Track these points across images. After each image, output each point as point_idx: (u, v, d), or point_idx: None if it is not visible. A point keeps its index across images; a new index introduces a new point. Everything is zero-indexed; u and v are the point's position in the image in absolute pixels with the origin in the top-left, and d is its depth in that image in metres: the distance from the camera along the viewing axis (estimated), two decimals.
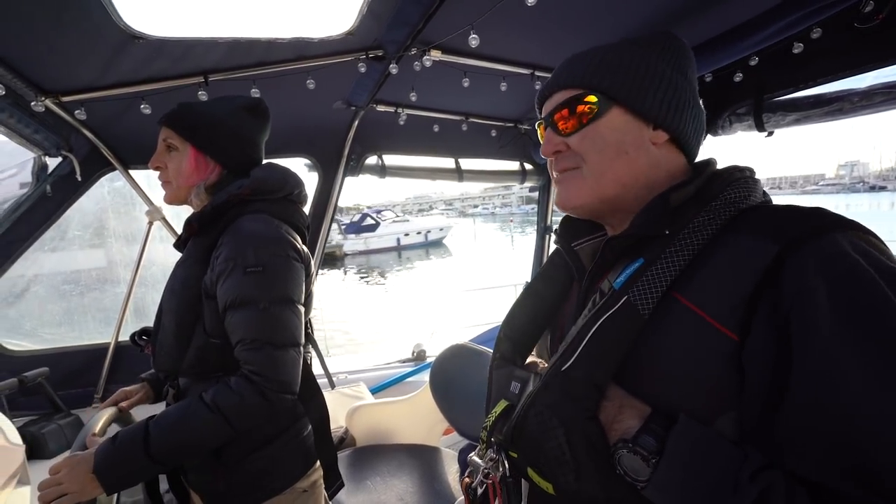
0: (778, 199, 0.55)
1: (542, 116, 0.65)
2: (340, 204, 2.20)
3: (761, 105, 1.55)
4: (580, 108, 0.59)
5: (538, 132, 0.67)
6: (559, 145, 0.61)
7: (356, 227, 24.35)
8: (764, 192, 0.56)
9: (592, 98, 0.58)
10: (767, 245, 0.46)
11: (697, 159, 0.63)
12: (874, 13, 1.13)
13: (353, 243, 23.05)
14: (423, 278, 16.45)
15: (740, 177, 0.55)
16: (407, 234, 24.35)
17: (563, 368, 0.49)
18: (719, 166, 0.59)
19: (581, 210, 0.62)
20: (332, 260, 21.04)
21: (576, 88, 0.60)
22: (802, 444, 0.41)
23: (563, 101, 0.60)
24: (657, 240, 0.52)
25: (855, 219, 0.47)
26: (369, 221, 24.59)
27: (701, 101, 0.63)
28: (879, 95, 1.34)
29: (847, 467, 0.38)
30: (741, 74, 1.48)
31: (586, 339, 0.49)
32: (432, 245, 24.60)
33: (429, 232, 24.98)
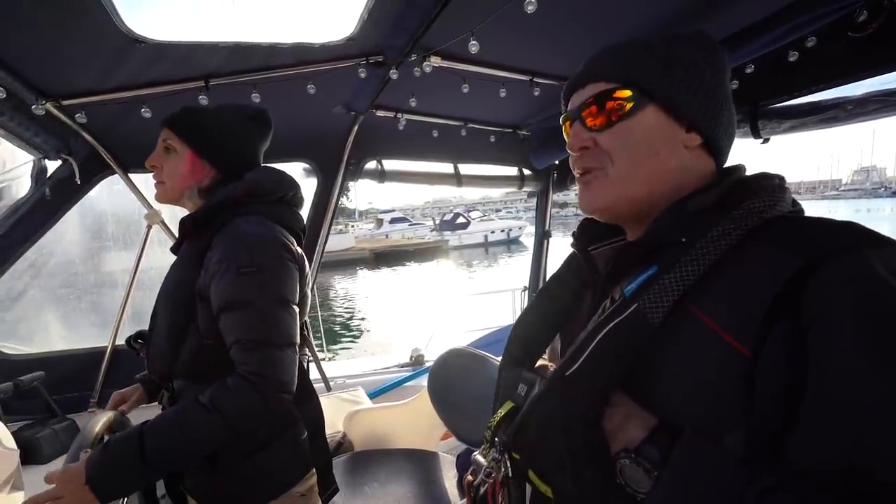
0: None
1: (569, 109, 0.60)
2: (360, 208, 2.23)
3: (757, 112, 1.57)
4: (613, 103, 0.55)
5: (563, 128, 0.63)
6: (587, 141, 0.57)
7: (449, 225, 27.17)
8: (793, 202, 0.52)
9: (627, 93, 0.54)
10: (790, 258, 0.43)
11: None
12: (867, 22, 1.14)
13: (452, 240, 25.50)
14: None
15: (767, 185, 0.51)
16: (493, 232, 26.61)
17: (567, 373, 0.48)
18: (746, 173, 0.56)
19: (606, 213, 0.59)
20: (440, 253, 23.49)
21: (610, 82, 0.55)
22: (812, 468, 0.39)
23: (596, 95, 0.56)
24: (673, 248, 0.50)
25: (879, 222, 0.44)
26: (461, 220, 27.25)
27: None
28: (873, 103, 1.36)
29: (855, 492, 0.37)
30: (737, 82, 1.50)
31: (592, 345, 0.48)
32: (513, 242, 26.64)
33: (510, 230, 27.06)
